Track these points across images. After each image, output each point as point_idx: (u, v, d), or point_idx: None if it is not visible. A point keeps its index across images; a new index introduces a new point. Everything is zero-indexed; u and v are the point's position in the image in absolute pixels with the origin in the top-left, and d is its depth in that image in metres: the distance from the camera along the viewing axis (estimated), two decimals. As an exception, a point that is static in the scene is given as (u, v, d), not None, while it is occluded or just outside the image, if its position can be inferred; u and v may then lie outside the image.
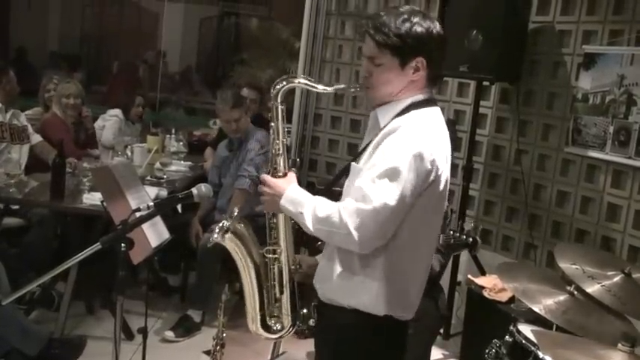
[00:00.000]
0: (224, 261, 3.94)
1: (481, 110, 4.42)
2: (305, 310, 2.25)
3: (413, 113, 2.02)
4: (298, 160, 4.80)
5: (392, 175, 1.90)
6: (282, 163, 2.17)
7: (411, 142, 1.93)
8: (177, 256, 4.71)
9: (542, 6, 4.31)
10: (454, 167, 4.71)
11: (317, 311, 2.22)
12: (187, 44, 9.53)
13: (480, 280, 3.79)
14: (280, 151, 2.17)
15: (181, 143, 5.68)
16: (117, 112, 5.76)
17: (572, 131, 4.05)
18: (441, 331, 4.33)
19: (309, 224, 1.99)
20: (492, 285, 3.68)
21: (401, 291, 2.05)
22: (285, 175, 2.17)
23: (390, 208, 1.90)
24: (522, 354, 2.40)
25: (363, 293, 2.03)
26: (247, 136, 4.52)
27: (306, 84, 2.15)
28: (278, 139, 2.17)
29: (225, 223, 2.18)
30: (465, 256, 4.28)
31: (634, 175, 3.73)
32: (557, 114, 4.20)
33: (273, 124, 2.18)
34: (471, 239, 3.12)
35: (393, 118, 2.03)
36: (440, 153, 1.99)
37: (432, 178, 1.96)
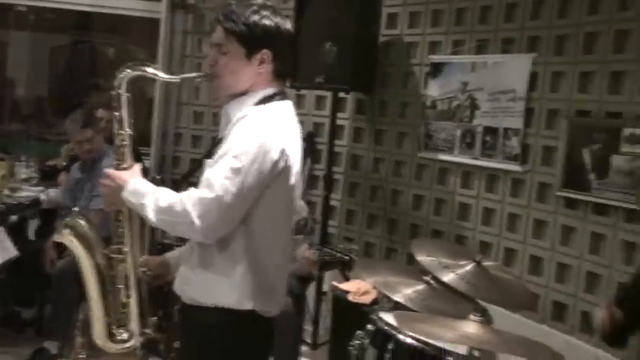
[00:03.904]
0: (80, 283, 3.74)
1: (339, 122, 4.55)
2: (155, 318, 2.17)
3: (265, 105, 2.03)
4: (159, 177, 4.68)
5: (237, 163, 1.90)
6: (127, 155, 2.11)
7: (257, 132, 1.94)
8: (32, 286, 4.42)
9: (390, 20, 4.50)
10: (315, 179, 4.80)
11: (181, 314, 2.14)
12: (37, 74, 9.10)
13: (344, 285, 3.83)
14: (125, 142, 2.12)
15: (32, 170, 5.39)
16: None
17: (424, 137, 4.24)
18: (309, 341, 4.34)
19: (151, 215, 1.95)
20: (356, 289, 3.73)
21: (263, 284, 2.03)
22: (130, 167, 2.11)
23: (233, 196, 1.89)
24: (384, 339, 2.46)
25: (226, 290, 1.99)
26: (101, 156, 4.35)
27: (152, 73, 2.11)
28: (123, 130, 2.12)
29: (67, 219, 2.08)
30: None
31: (480, 174, 3.95)
32: (410, 121, 4.38)
33: (117, 113, 2.12)
34: (347, 257, 3.21)
35: None
36: (289, 143, 2.00)
37: (280, 166, 1.96)
